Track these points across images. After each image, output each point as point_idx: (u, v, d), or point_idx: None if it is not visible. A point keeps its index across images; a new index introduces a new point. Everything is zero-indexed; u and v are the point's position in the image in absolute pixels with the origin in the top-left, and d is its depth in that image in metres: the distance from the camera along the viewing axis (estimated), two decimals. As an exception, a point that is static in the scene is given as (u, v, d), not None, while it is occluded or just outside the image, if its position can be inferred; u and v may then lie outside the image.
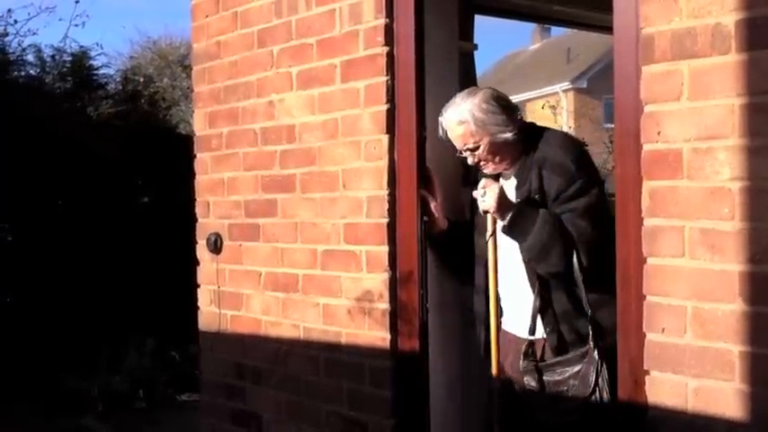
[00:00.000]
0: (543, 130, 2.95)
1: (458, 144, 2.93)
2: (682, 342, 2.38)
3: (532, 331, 2.86)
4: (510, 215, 2.78)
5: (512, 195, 2.88)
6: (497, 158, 2.89)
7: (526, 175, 2.84)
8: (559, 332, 2.82)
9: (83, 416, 6.15)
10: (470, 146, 2.88)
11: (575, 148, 2.88)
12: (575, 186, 2.76)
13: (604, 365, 2.73)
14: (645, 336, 2.47)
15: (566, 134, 2.97)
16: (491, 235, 2.89)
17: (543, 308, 2.83)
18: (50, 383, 6.46)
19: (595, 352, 2.74)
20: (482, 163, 2.92)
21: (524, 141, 2.87)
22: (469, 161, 2.94)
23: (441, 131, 2.98)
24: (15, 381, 6.55)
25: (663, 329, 2.42)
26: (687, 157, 2.36)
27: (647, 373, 2.47)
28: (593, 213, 2.76)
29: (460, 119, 2.87)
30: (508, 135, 2.85)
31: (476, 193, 2.86)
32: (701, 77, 2.33)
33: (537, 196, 2.80)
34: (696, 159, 2.34)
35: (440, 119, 2.97)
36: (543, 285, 2.83)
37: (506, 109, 2.89)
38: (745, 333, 2.23)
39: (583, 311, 2.79)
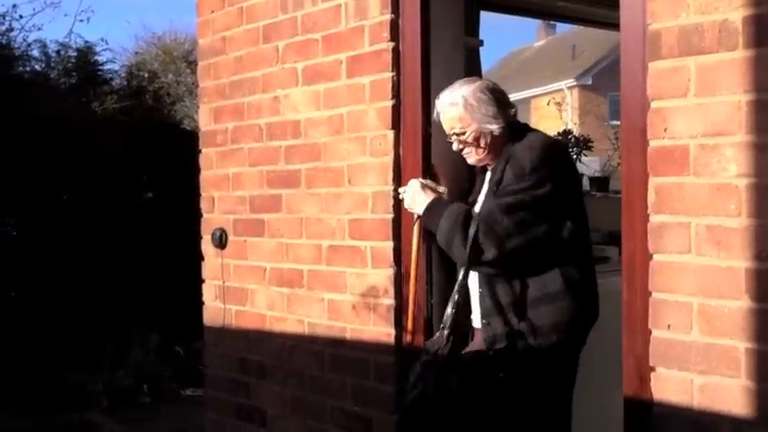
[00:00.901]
0: (531, 131, 2.92)
1: (446, 127, 2.93)
2: (688, 339, 2.37)
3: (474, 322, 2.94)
4: (423, 210, 2.94)
5: (486, 187, 2.94)
6: (481, 149, 2.88)
7: (496, 168, 2.85)
8: (490, 324, 2.81)
9: (87, 410, 6.15)
10: (457, 130, 2.88)
11: (542, 149, 2.78)
12: (518, 183, 2.73)
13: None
14: (650, 332, 2.47)
15: (544, 137, 2.90)
16: (415, 220, 3.06)
17: (481, 300, 2.84)
18: (55, 378, 6.46)
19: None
20: (466, 150, 2.91)
21: (511, 138, 2.86)
22: (454, 147, 2.94)
23: (434, 113, 2.98)
24: (20, 375, 6.56)
25: (669, 326, 2.42)
26: (694, 154, 2.36)
27: (652, 369, 2.47)
28: (531, 210, 2.70)
29: (452, 101, 2.88)
30: (494, 127, 2.84)
31: (401, 190, 3.11)
32: (708, 74, 2.33)
33: (495, 189, 2.81)
34: (703, 156, 2.34)
35: (435, 100, 2.97)
36: (484, 278, 2.83)
37: (499, 102, 2.88)
38: (751, 330, 2.23)
39: (520, 307, 2.77)
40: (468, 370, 2.81)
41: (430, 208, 2.92)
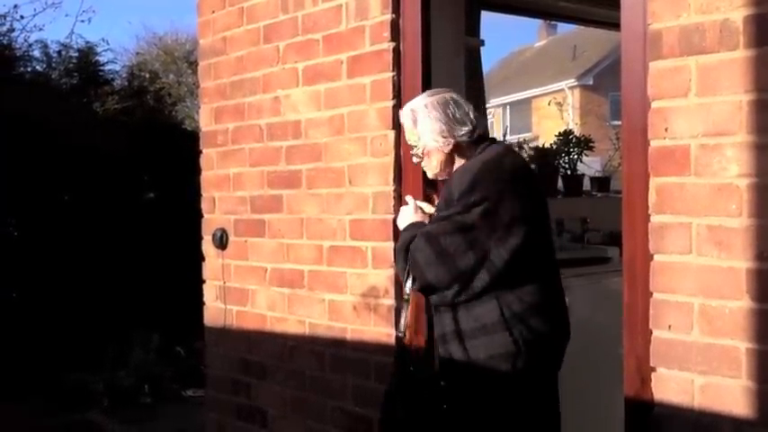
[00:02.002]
0: (490, 147, 2.76)
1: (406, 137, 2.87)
2: (688, 339, 2.37)
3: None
4: (401, 230, 2.86)
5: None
6: (433, 164, 2.77)
7: (444, 189, 2.77)
8: (440, 350, 2.77)
9: (88, 411, 6.16)
10: (411, 142, 2.80)
11: (477, 171, 2.62)
12: (446, 209, 2.63)
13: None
14: (651, 333, 2.47)
15: (488, 156, 2.67)
16: None
17: (435, 325, 2.80)
18: (56, 378, 6.47)
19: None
20: (423, 163, 2.81)
21: (469, 155, 2.73)
22: (414, 160, 2.85)
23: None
24: (21, 376, 6.57)
25: (669, 326, 2.41)
26: (694, 154, 2.35)
27: (653, 370, 2.47)
28: (454, 237, 2.56)
29: (405, 112, 2.79)
30: (438, 145, 2.71)
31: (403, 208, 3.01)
32: (709, 73, 2.32)
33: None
34: (703, 156, 2.33)
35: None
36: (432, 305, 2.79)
37: (452, 120, 2.71)
38: (752, 330, 2.23)
39: (460, 336, 2.67)
40: (414, 398, 2.75)
41: (405, 229, 2.82)
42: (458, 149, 2.72)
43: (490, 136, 2.93)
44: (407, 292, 2.73)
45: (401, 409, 2.75)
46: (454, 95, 2.79)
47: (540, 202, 2.75)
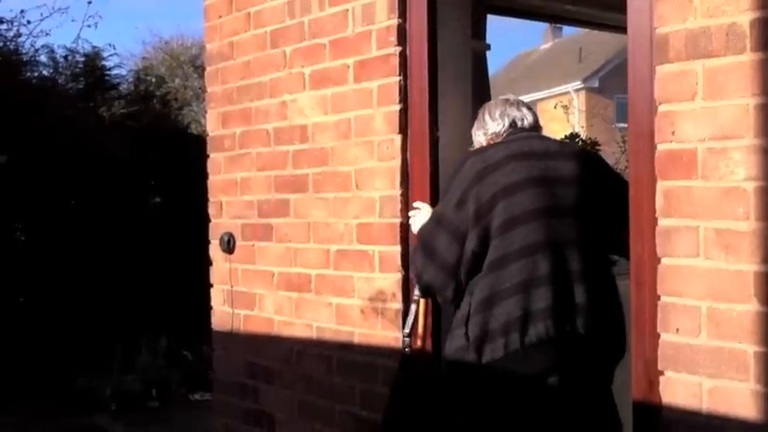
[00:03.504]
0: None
1: None
2: (696, 342, 2.37)
3: None
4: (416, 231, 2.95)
5: None
6: None
7: None
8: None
9: (96, 414, 6.18)
10: None
11: (456, 167, 2.75)
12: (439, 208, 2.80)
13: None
14: (659, 336, 2.46)
15: (475, 150, 2.85)
16: None
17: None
18: (64, 383, 6.49)
19: None
20: None
21: None
22: None
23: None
24: (29, 380, 6.59)
25: (677, 330, 2.41)
26: (702, 157, 2.35)
27: (661, 373, 2.46)
28: (436, 234, 2.67)
29: None
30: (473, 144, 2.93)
31: (410, 213, 3.13)
32: (716, 77, 2.32)
33: None
34: (711, 159, 2.33)
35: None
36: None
37: (476, 125, 2.94)
38: (760, 333, 2.22)
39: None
40: (414, 398, 2.80)
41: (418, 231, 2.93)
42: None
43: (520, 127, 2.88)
44: (417, 293, 2.79)
45: (400, 408, 2.76)
46: (495, 101, 2.97)
47: (534, 193, 2.63)
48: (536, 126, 2.88)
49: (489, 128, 2.85)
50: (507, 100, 2.93)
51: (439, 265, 2.64)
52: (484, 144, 2.86)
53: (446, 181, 2.74)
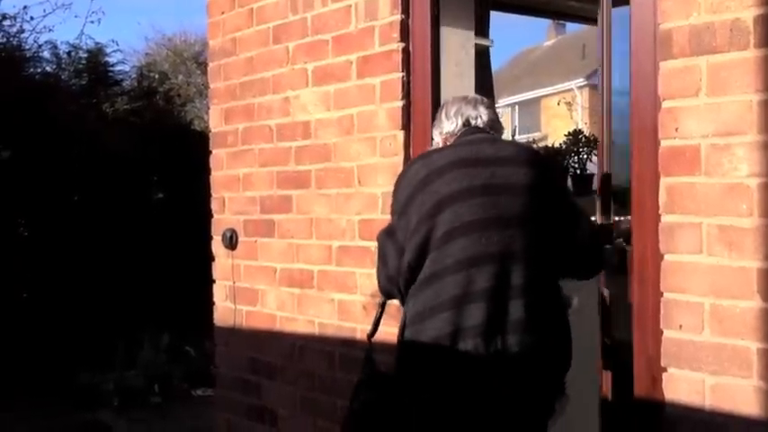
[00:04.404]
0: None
1: None
2: (699, 339, 2.37)
3: None
4: None
5: None
6: None
7: None
8: None
9: (98, 410, 6.18)
10: None
11: (399, 174, 2.71)
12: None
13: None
14: (662, 333, 2.46)
15: (421, 155, 2.74)
16: None
17: None
18: (66, 378, 6.49)
19: None
20: None
21: None
22: None
23: None
24: (31, 375, 6.60)
25: (680, 326, 2.41)
26: (705, 153, 2.35)
27: (664, 370, 2.46)
28: (384, 241, 2.63)
29: None
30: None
31: None
32: (720, 73, 2.32)
33: None
34: (714, 155, 2.33)
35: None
36: None
37: (434, 123, 2.83)
38: (763, 330, 2.22)
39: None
40: (372, 394, 2.75)
41: None
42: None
43: (474, 126, 2.71)
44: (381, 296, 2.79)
45: (360, 402, 2.74)
46: (453, 97, 2.82)
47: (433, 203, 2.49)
48: (493, 126, 2.72)
49: (444, 127, 2.73)
50: (465, 98, 2.79)
51: (387, 274, 2.60)
52: (440, 144, 2.74)
53: (394, 185, 2.63)
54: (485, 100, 2.79)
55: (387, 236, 2.60)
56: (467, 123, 2.68)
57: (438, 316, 2.41)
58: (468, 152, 2.54)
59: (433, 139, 2.81)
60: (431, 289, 2.44)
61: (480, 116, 2.70)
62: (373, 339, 2.85)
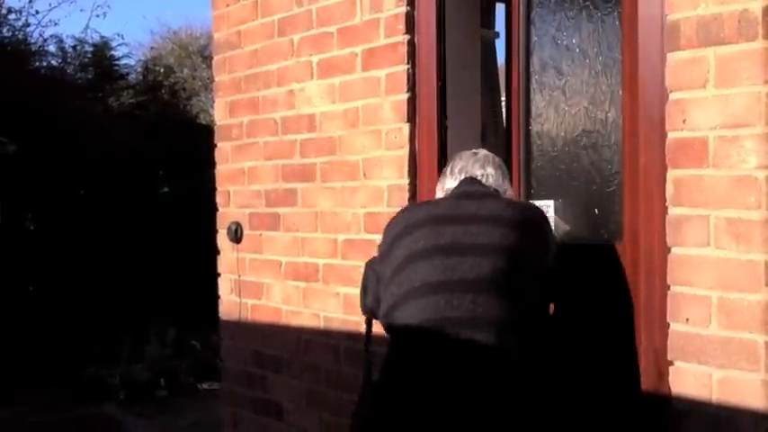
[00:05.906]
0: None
1: None
2: (706, 332, 2.35)
3: None
4: None
5: None
6: None
7: None
8: None
9: (104, 404, 6.21)
10: None
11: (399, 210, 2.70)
12: None
13: None
14: (669, 326, 2.45)
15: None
16: None
17: None
18: (73, 372, 6.52)
19: None
20: None
21: None
22: None
23: None
24: (38, 369, 6.62)
25: (687, 319, 2.40)
26: (713, 146, 2.33)
27: (671, 363, 2.45)
28: (367, 272, 2.68)
29: None
30: None
31: None
32: (728, 64, 2.30)
33: None
34: (722, 147, 2.31)
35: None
36: None
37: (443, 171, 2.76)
38: (771, 323, 2.21)
39: None
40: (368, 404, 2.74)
41: None
42: None
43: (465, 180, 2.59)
44: None
45: (360, 417, 2.72)
46: (463, 152, 2.71)
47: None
48: (499, 186, 2.58)
49: (446, 183, 2.64)
50: (475, 155, 2.66)
51: (367, 303, 2.64)
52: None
53: (384, 227, 2.60)
54: (495, 159, 2.66)
55: (370, 268, 2.63)
56: (467, 181, 2.58)
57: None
58: (446, 209, 2.47)
59: (437, 194, 2.68)
60: (390, 346, 2.39)
61: (487, 175, 2.59)
62: (382, 334, 2.85)
